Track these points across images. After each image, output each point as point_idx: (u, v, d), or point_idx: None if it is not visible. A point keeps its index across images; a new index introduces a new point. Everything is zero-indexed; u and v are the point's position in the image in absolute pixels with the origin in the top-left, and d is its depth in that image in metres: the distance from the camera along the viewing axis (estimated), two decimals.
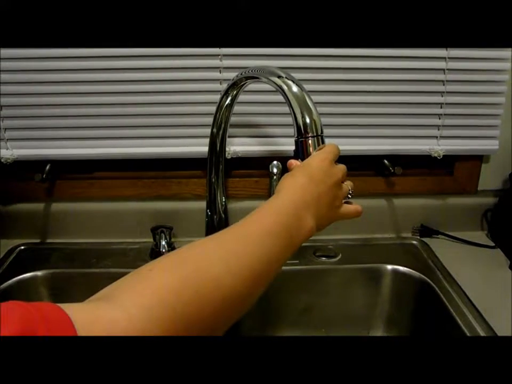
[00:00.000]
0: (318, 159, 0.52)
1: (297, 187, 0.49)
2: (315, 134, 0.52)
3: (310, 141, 0.53)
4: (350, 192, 0.55)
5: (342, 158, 0.87)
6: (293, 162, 0.54)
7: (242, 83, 0.65)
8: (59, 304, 0.31)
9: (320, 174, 0.50)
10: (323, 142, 0.54)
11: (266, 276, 0.43)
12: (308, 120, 0.52)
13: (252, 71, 0.60)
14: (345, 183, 0.55)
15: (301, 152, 0.54)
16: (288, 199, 0.48)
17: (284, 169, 0.77)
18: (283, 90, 0.53)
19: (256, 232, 0.43)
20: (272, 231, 0.44)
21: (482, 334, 0.65)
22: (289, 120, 0.55)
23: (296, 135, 0.53)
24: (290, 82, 0.54)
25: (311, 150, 0.53)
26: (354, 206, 0.56)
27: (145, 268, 0.38)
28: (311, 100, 0.53)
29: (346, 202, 0.55)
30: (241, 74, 0.63)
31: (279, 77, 0.55)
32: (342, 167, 0.55)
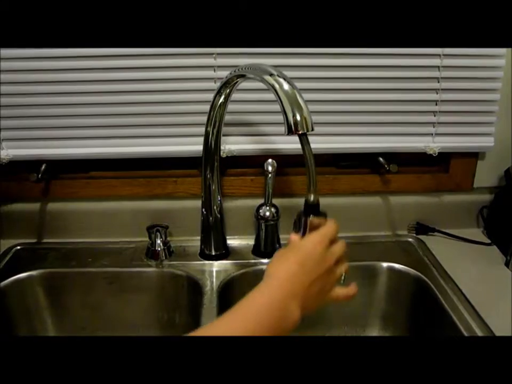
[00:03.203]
0: (314, 242, 0.51)
1: (288, 276, 0.49)
2: (305, 131, 0.52)
3: (310, 219, 0.54)
4: (343, 276, 0.54)
5: (338, 156, 0.87)
6: (294, 237, 0.54)
7: (235, 81, 0.65)
8: None
9: (312, 262, 0.50)
10: (325, 216, 0.55)
11: None
12: (298, 117, 0.52)
13: (243, 69, 0.60)
14: (340, 266, 0.54)
15: (303, 228, 0.55)
16: (276, 293, 0.48)
17: (279, 168, 0.77)
18: (274, 88, 0.53)
19: (239, 334, 0.43)
20: (255, 332, 0.44)
21: (477, 331, 0.65)
22: None
23: (286, 133, 0.53)
24: (281, 80, 0.53)
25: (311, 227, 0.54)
26: (345, 290, 0.55)
27: None
28: (302, 97, 0.53)
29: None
30: (233, 72, 0.63)
31: (271, 75, 0.54)
32: (337, 249, 0.53)
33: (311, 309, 0.51)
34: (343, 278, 0.54)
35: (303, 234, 0.55)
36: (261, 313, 0.46)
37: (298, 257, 0.50)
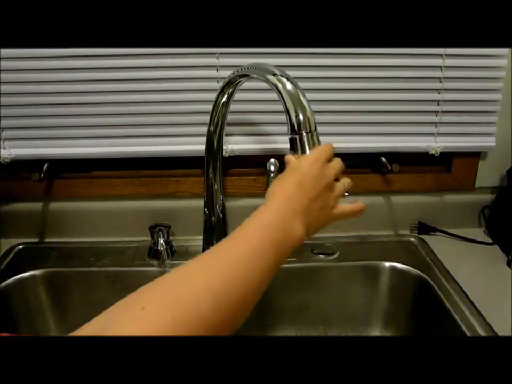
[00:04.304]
0: (309, 160, 0.51)
1: (286, 195, 0.49)
2: (308, 131, 0.52)
3: (304, 137, 0.53)
4: (346, 190, 0.54)
5: (339, 156, 0.87)
6: (290, 157, 0.54)
7: (237, 81, 0.65)
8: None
9: (310, 178, 0.50)
10: (318, 138, 0.54)
11: (254, 297, 0.43)
12: (301, 117, 0.52)
13: (246, 69, 0.60)
14: (341, 181, 0.54)
15: (296, 149, 0.53)
16: (275, 211, 0.47)
17: (281, 167, 0.77)
18: (277, 88, 0.53)
19: (243, 253, 0.43)
20: (259, 250, 0.44)
21: (480, 330, 0.65)
22: None
23: (289, 132, 0.53)
24: (284, 79, 0.53)
25: (306, 146, 0.53)
26: (350, 205, 0.54)
27: (137, 304, 0.37)
28: (305, 97, 0.53)
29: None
30: (236, 72, 0.63)
31: (274, 74, 0.54)
32: (335, 165, 0.54)
33: (316, 226, 0.51)
34: (346, 192, 0.54)
35: (296, 151, 0.54)
36: (262, 231, 0.45)
37: (296, 177, 0.50)
